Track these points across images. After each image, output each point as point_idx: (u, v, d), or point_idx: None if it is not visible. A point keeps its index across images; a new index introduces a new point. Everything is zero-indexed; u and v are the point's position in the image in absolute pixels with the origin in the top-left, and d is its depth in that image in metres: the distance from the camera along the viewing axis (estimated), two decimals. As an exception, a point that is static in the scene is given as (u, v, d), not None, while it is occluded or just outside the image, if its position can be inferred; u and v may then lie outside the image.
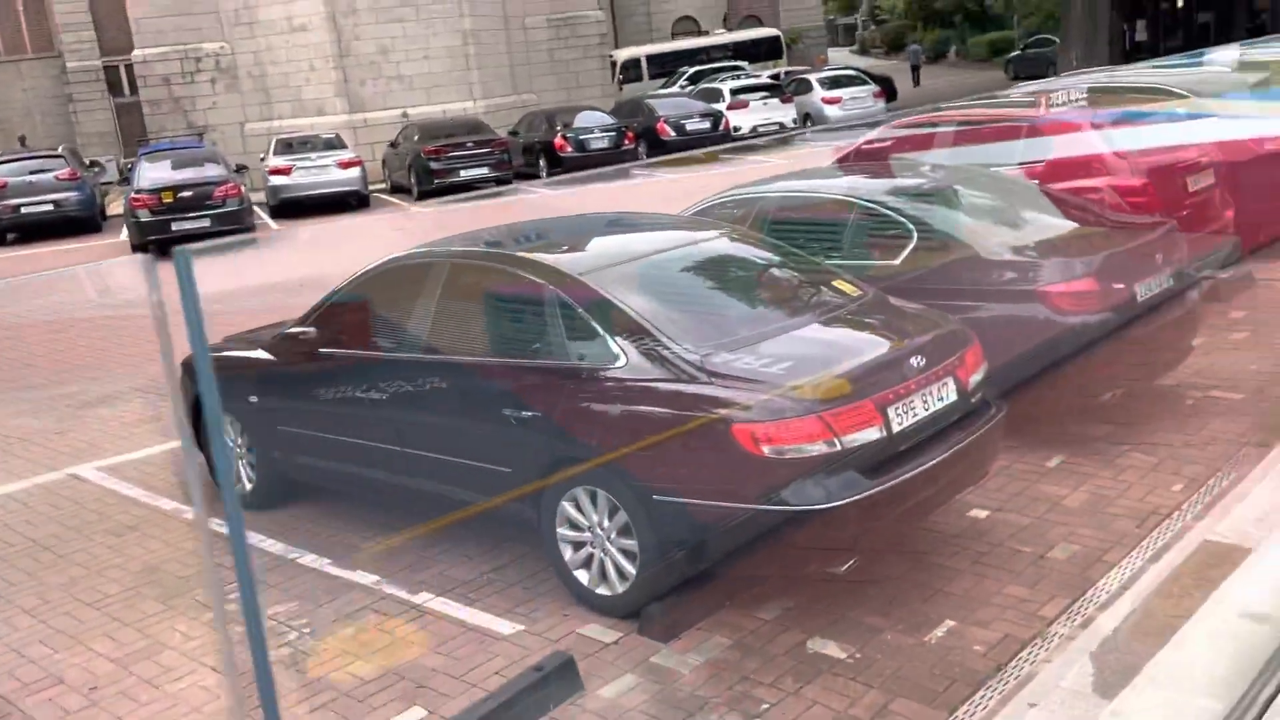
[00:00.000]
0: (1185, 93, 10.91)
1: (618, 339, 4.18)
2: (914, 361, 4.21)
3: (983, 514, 4.89)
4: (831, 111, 27.33)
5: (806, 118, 27.51)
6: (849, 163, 10.29)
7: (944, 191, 6.91)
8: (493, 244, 5.14)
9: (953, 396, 4.34)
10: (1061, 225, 6.40)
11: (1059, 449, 5.52)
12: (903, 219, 6.21)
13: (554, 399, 4.29)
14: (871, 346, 4.44)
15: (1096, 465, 5.33)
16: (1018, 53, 41.31)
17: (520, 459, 4.41)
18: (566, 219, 5.91)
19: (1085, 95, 11.88)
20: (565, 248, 5.09)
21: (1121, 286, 5.79)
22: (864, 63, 55.53)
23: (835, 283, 4.93)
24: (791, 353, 4.16)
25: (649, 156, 22.67)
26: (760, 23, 45.27)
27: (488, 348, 4.71)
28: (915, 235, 6.08)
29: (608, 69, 33.61)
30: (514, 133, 23.91)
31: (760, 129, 26.07)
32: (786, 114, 26.71)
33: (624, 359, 4.13)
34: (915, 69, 46.46)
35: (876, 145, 10.30)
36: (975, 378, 4.51)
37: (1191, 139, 9.00)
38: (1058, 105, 9.94)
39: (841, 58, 58.75)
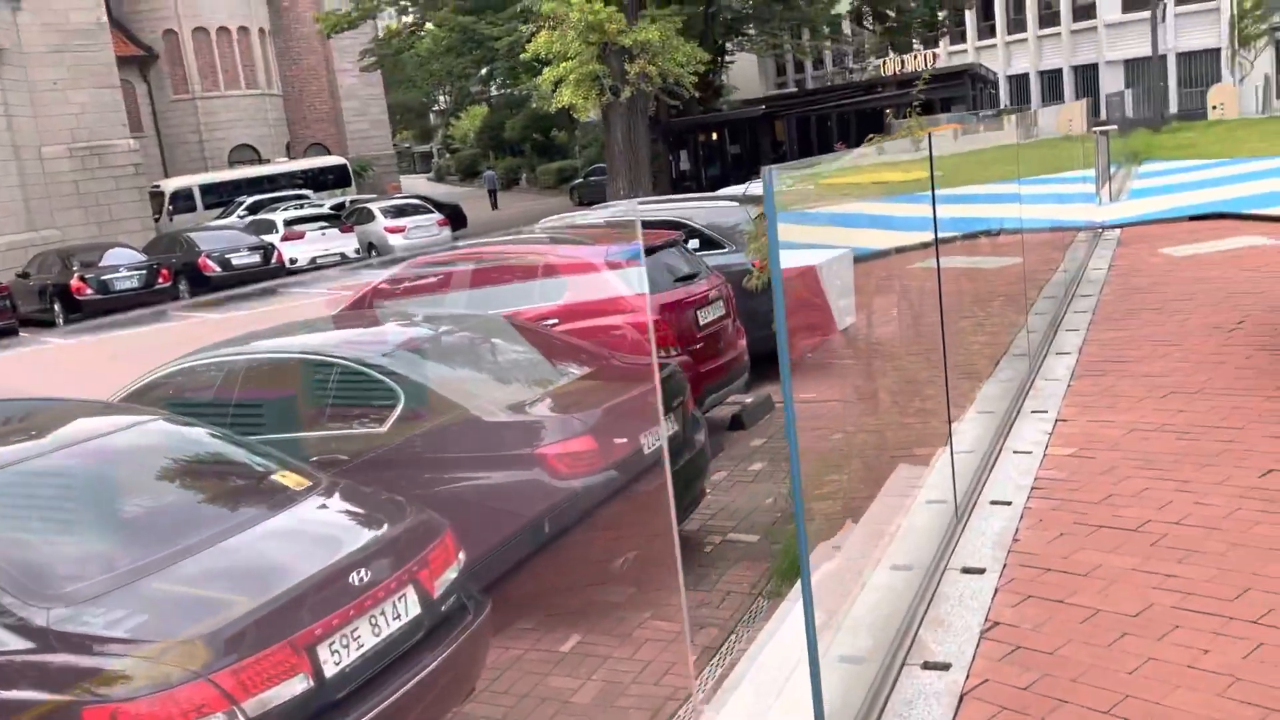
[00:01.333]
0: (700, 226, 11.32)
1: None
2: (356, 577, 3.36)
3: (480, 735, 4.11)
4: (395, 240, 26.75)
5: (370, 247, 26.72)
6: (356, 308, 9.53)
7: (436, 344, 6.27)
8: None
9: (415, 609, 3.53)
10: (562, 374, 5.96)
11: (577, 626, 4.91)
12: (388, 379, 5.48)
13: None
14: (298, 565, 3.52)
15: (614, 643, 4.75)
16: (581, 180, 43.60)
17: None
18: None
19: (604, 229, 12.03)
20: None
21: (625, 440, 5.41)
22: (441, 190, 56.30)
23: (277, 475, 3.99)
24: (181, 590, 3.15)
25: (192, 295, 20.63)
26: (327, 151, 44.34)
27: None
28: (402, 397, 5.37)
29: (147, 200, 30.89)
30: (24, 274, 20.86)
31: (320, 260, 24.89)
32: (347, 244, 25.76)
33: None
34: (493, 193, 48.21)
35: (391, 287, 9.66)
36: (445, 578, 3.75)
37: (703, 272, 9.20)
38: (575, 242, 9.81)
39: (418, 185, 59.20)
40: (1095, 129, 16.04)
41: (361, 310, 9.40)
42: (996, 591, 4.08)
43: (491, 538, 5.01)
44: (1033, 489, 5.02)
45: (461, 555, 3.92)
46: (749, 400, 8.89)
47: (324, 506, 3.89)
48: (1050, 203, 10.05)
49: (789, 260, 8.43)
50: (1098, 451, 5.34)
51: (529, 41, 25.12)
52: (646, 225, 12.44)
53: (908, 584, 4.35)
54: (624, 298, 8.47)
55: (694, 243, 10.49)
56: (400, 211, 28.60)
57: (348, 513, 3.96)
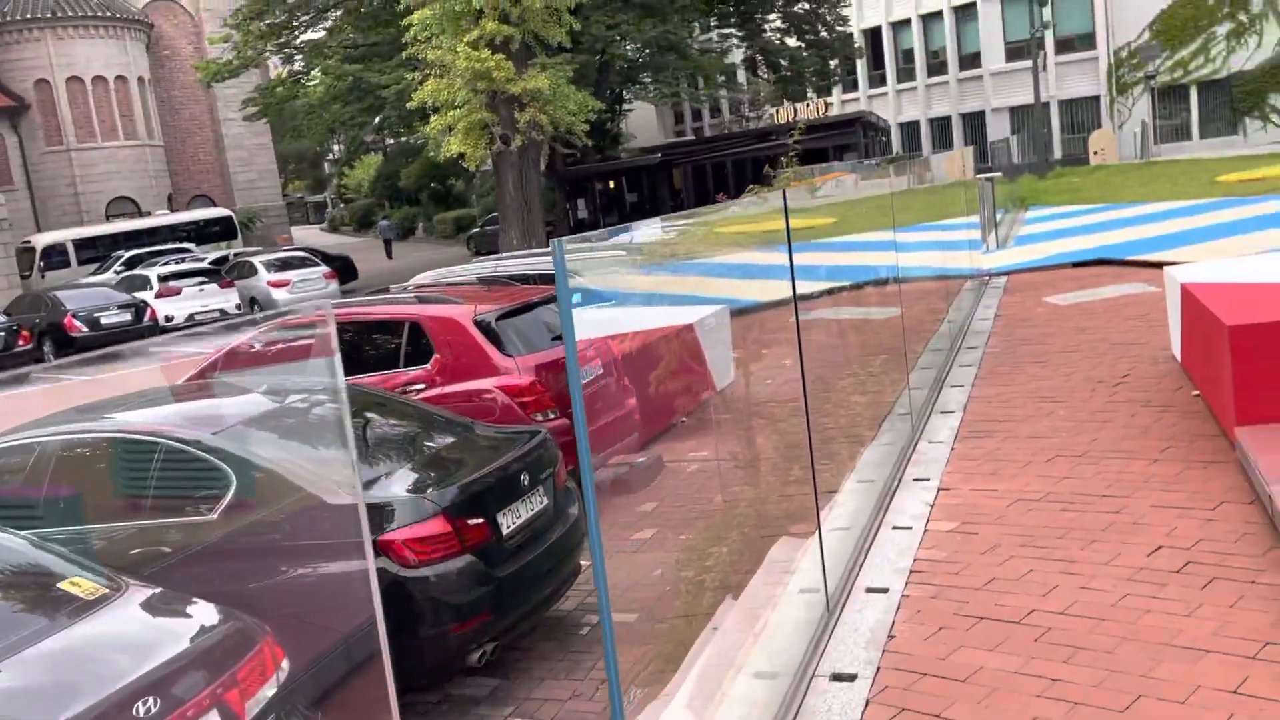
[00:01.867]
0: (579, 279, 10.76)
1: None
2: (142, 709, 2.74)
3: None
4: (279, 295, 25.75)
5: (253, 303, 25.65)
6: (208, 374, 8.80)
7: (277, 417, 5.63)
8: None
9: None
10: (418, 447, 5.41)
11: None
12: (219, 460, 4.85)
13: None
14: (64, 700, 2.86)
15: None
16: (478, 229, 42.98)
17: None
18: None
19: (477, 285, 11.46)
20: None
21: (480, 521, 4.87)
22: (335, 240, 55.06)
23: (65, 583, 3.36)
24: None
25: (58, 357, 19.39)
26: (212, 202, 42.94)
27: None
28: (235, 481, 4.75)
29: (13, 258, 29.32)
30: None
31: (198, 317, 23.78)
32: (227, 300, 24.65)
33: None
34: (388, 243, 47.34)
35: (244, 353, 8.95)
36: (261, 696, 3.14)
37: (582, 329, 8.73)
38: (444, 301, 9.28)
39: (311, 236, 57.85)
40: (980, 176, 16.10)
41: (205, 380, 8.63)
42: (868, 704, 3.60)
43: (324, 641, 4.40)
44: (911, 572, 4.58)
45: (286, 666, 3.34)
46: (639, 460, 8.37)
47: (115, 620, 3.26)
48: (936, 250, 9.84)
49: (667, 318, 7.91)
50: (980, 526, 4.94)
51: (416, 90, 24.59)
52: (524, 279, 11.95)
53: (772, 695, 3.85)
54: (495, 359, 7.93)
55: (578, 295, 10.00)
56: (285, 265, 27.61)
57: (144, 626, 3.35)
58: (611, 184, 39.22)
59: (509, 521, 5.19)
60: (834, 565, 4.63)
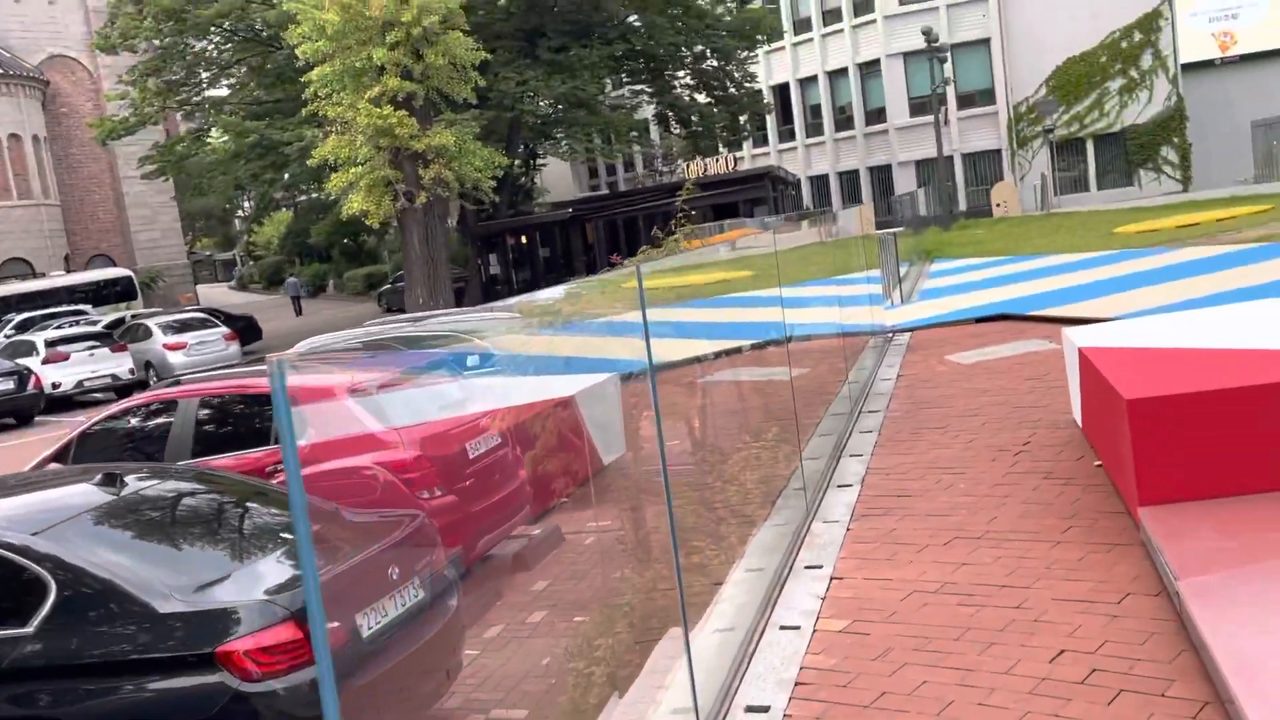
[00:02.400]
0: (485, 343, 10.37)
1: None
2: None
3: None
4: (176, 359, 24.70)
5: (149, 367, 24.54)
6: (59, 459, 8.09)
7: (110, 512, 5.04)
8: None
9: None
10: (271, 541, 4.85)
11: None
12: (36, 565, 4.28)
13: None
14: None
15: None
16: (389, 286, 42.21)
17: None
18: None
19: (361, 350, 10.86)
20: None
21: (337, 625, 4.30)
22: (243, 299, 53.67)
23: None
24: None
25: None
26: (112, 262, 41.47)
27: None
28: (54, 587, 4.19)
29: (-112, 324, 27.76)
30: None
31: (87, 384, 22.63)
32: (120, 365, 23.54)
33: None
34: (296, 300, 46.42)
35: (99, 429, 8.25)
36: None
37: (474, 397, 8.26)
38: (319, 369, 8.69)
39: (218, 295, 56.30)
40: (883, 231, 16.05)
41: (41, 470, 7.92)
42: None
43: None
44: (797, 684, 4.12)
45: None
46: (535, 532, 7.85)
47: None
48: (833, 307, 9.56)
49: (542, 389, 7.40)
50: (873, 625, 4.52)
51: (318, 146, 23.99)
52: (415, 342, 11.35)
53: None
54: (375, 432, 7.37)
55: (474, 359, 9.52)
56: (183, 326, 26.58)
57: None
58: (524, 239, 38.83)
59: (371, 621, 4.62)
60: (711, 678, 4.16)
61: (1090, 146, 40.10)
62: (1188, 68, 40.36)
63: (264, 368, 9.98)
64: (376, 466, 6.98)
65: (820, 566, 5.36)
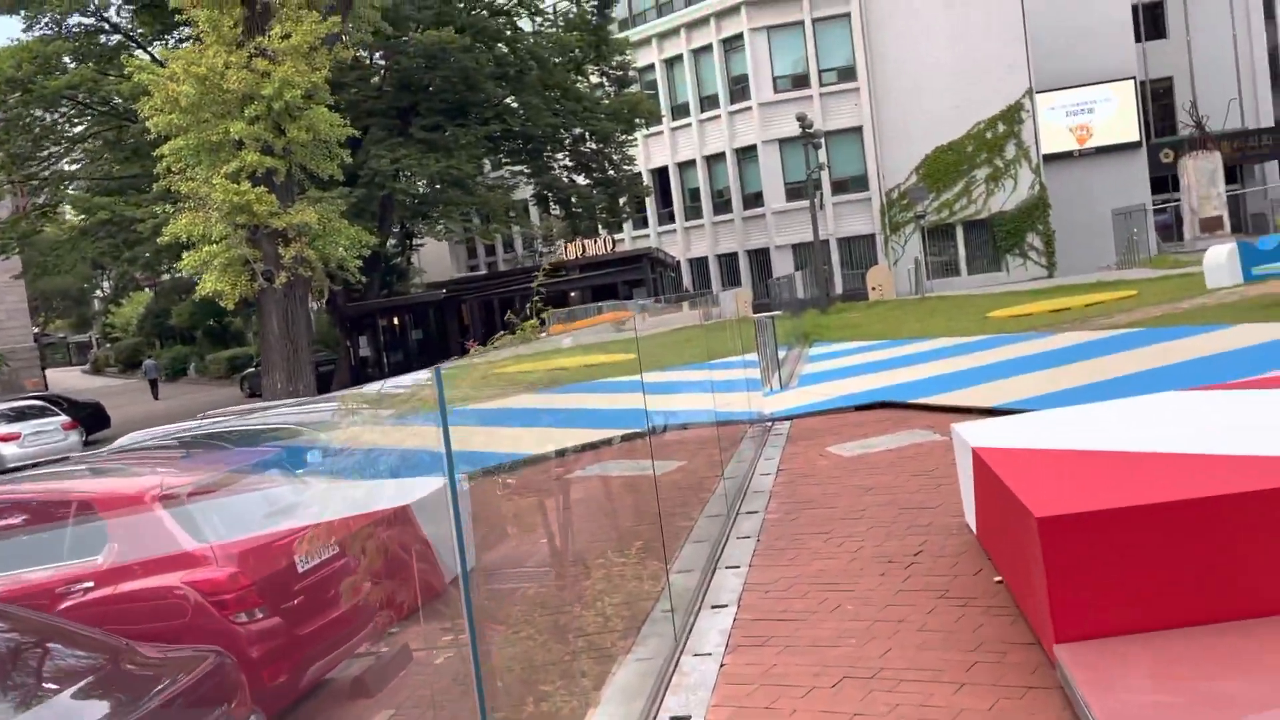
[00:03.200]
0: (324, 438, 9.41)
1: None
2: None
3: None
4: (7, 450, 22.71)
5: (-25, 459, 22.42)
6: None
7: None
8: None
9: None
10: (42, 690, 3.86)
11: None
12: None
13: None
14: None
15: None
16: (253, 369, 40.26)
17: None
18: None
19: (180, 449, 9.70)
20: None
21: None
22: (98, 383, 50.62)
23: None
24: None
25: None
26: (-53, 345, 38.52)
27: None
28: None
29: None
30: None
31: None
32: (-65, 460, 21.42)
33: None
34: (154, 384, 44.22)
35: None
36: None
37: (308, 503, 7.22)
38: (126, 472, 7.60)
39: (69, 379, 53.08)
40: (760, 315, 15.58)
41: None
42: None
43: None
44: None
45: None
46: (383, 650, 6.78)
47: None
48: (704, 394, 8.85)
49: (386, 492, 6.40)
50: (749, 804, 3.66)
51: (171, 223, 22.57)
52: (250, 438, 10.27)
53: None
54: (186, 546, 6.27)
55: (314, 455, 8.47)
56: (18, 415, 24.55)
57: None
58: (397, 320, 37.55)
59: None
60: None
61: (960, 232, 41.22)
62: (1049, 158, 42.09)
63: (58, 470, 8.63)
64: (186, 587, 5.93)
65: (688, 718, 4.49)
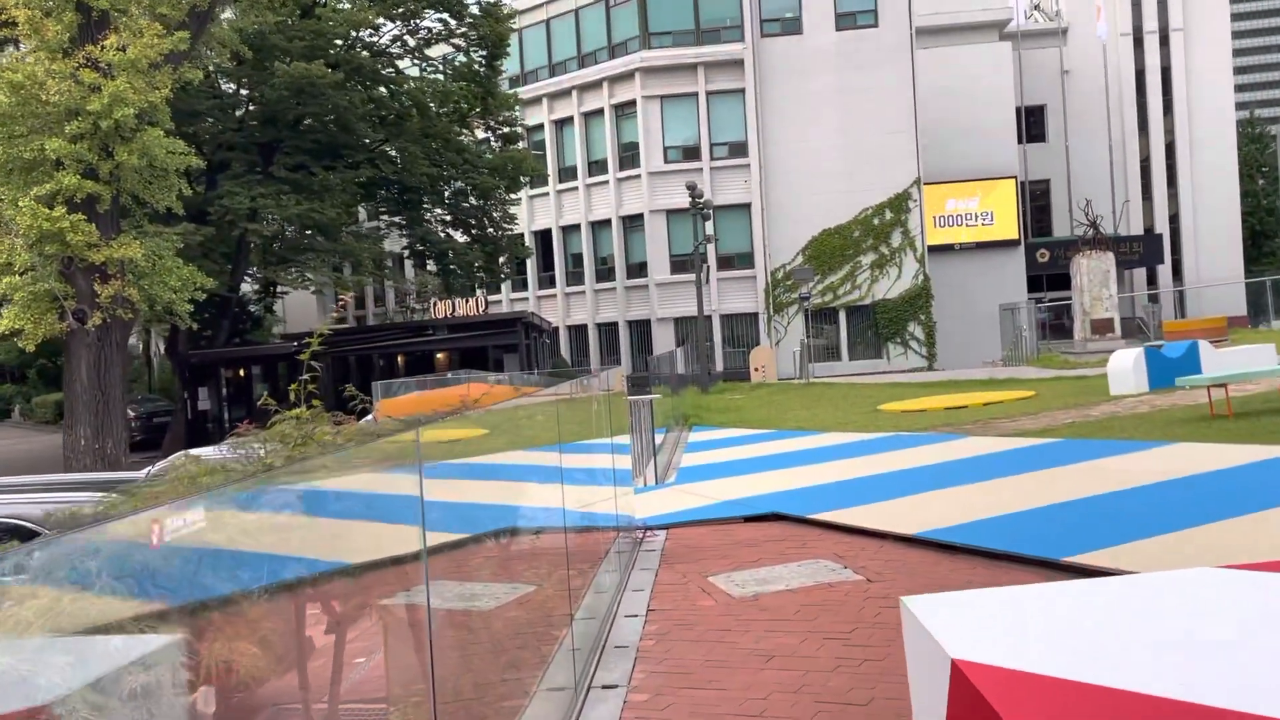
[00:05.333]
0: (41, 529, 7.18)
1: None
2: None
3: None
4: None
5: None
6: None
7: None
8: None
9: None
10: None
11: None
12: None
13: None
14: None
15: None
16: (78, 417, 36.34)
17: None
18: None
19: None
20: None
21: None
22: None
23: None
24: None
25: None
26: None
27: None
28: None
29: None
30: None
31: None
32: None
33: None
34: None
35: None
36: None
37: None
38: None
39: None
40: (634, 395, 13.67)
41: None
42: None
43: None
44: None
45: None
46: None
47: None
48: (556, 485, 6.78)
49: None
50: None
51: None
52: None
53: None
54: None
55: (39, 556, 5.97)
56: None
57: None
58: (243, 372, 34.44)
59: None
60: None
61: (843, 317, 40.53)
62: (933, 250, 41.96)
63: None
64: None
65: None
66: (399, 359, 34.44)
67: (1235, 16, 70.00)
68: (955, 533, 8.26)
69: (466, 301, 33.30)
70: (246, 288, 42.99)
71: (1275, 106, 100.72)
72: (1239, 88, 59.96)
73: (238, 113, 31.81)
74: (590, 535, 7.98)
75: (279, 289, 43.58)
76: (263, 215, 29.38)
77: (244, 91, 31.55)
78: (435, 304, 33.99)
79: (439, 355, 33.86)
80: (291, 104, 29.09)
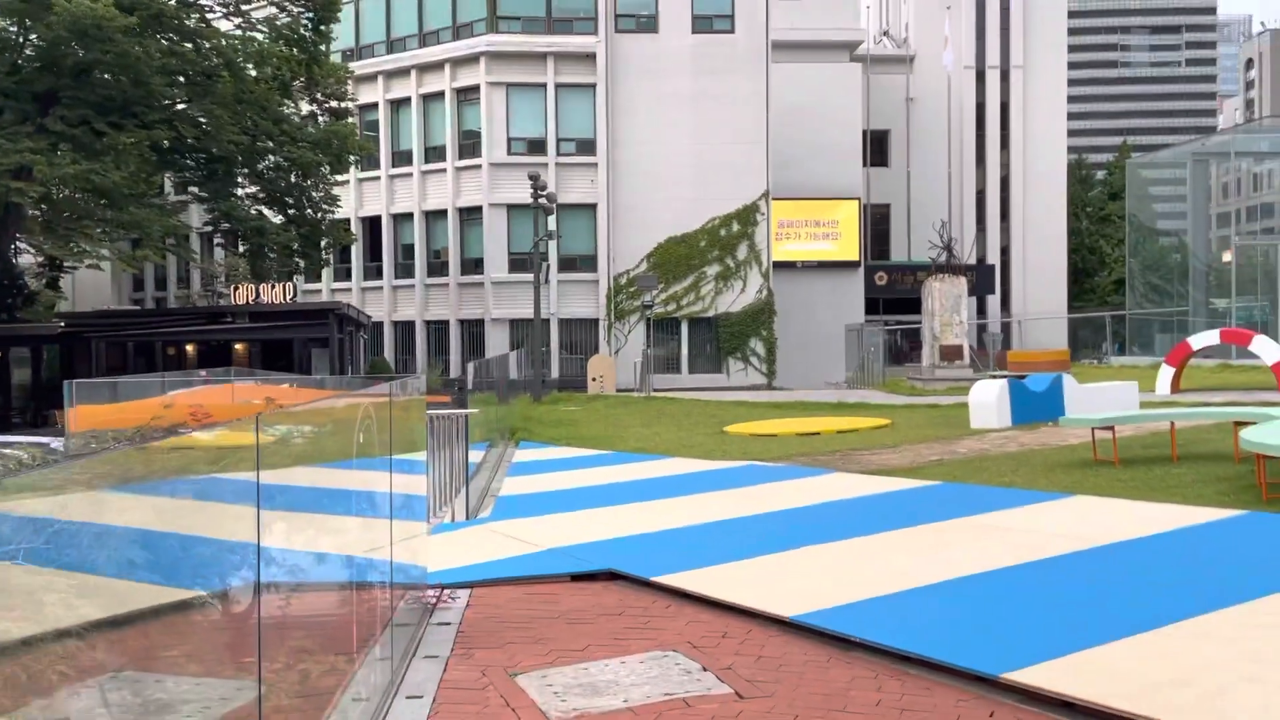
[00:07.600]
0: None
1: None
2: None
3: None
4: None
5: None
6: None
7: None
8: None
9: None
10: None
11: None
12: None
13: None
14: None
15: None
16: None
17: None
18: None
19: None
20: None
21: None
22: None
23: None
24: None
25: None
26: None
27: None
28: None
29: None
30: None
31: None
32: None
33: None
34: None
35: None
36: None
37: None
38: None
39: None
40: (448, 410, 11.23)
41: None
42: None
43: None
44: None
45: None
46: None
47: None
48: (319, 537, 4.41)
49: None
50: None
51: None
52: None
53: None
54: None
55: None
56: None
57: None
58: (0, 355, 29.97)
59: None
60: None
61: (685, 328, 38.99)
62: (778, 266, 40.95)
63: None
64: None
65: None
66: (188, 349, 30.71)
67: (1072, 65, 72.66)
68: (845, 616, 6.25)
69: (272, 288, 29.89)
70: (27, 260, 38.06)
71: (1102, 152, 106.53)
72: (1071, 132, 62.01)
73: (13, 56, 27.56)
74: (343, 602, 5.50)
75: (67, 264, 38.87)
76: (36, 174, 25.37)
77: (18, 31, 27.29)
78: (234, 289, 30.40)
79: (238, 346, 30.35)
80: (74, 48, 25.19)
